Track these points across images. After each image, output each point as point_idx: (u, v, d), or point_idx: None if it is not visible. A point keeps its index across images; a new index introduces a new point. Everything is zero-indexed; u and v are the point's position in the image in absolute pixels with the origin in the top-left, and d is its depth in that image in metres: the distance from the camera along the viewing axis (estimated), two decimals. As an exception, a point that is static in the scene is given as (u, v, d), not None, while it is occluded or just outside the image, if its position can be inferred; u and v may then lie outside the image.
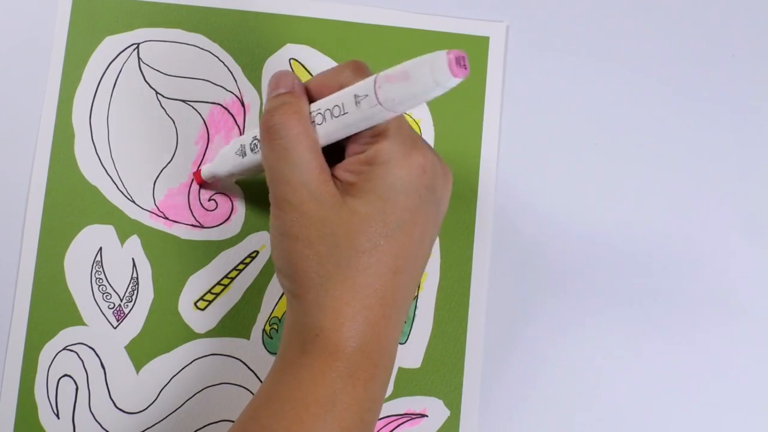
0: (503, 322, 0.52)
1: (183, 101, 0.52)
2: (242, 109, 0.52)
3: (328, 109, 0.41)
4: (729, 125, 0.54)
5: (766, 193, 0.54)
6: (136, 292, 0.51)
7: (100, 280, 0.51)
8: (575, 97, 0.54)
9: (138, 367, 0.50)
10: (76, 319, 0.51)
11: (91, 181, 0.51)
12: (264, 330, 0.51)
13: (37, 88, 0.51)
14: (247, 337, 0.51)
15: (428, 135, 0.53)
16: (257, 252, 0.52)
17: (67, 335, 0.51)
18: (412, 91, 0.38)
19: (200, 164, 0.51)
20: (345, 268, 0.41)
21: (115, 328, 0.51)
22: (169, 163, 0.52)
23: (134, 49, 0.52)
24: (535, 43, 0.54)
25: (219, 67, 0.52)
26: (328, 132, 0.42)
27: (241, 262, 0.52)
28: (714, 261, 0.53)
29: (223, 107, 0.52)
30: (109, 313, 0.51)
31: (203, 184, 0.51)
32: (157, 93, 0.52)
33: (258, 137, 0.45)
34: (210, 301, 0.51)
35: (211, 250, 0.52)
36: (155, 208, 0.52)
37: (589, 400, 0.52)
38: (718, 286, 0.53)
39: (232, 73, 0.52)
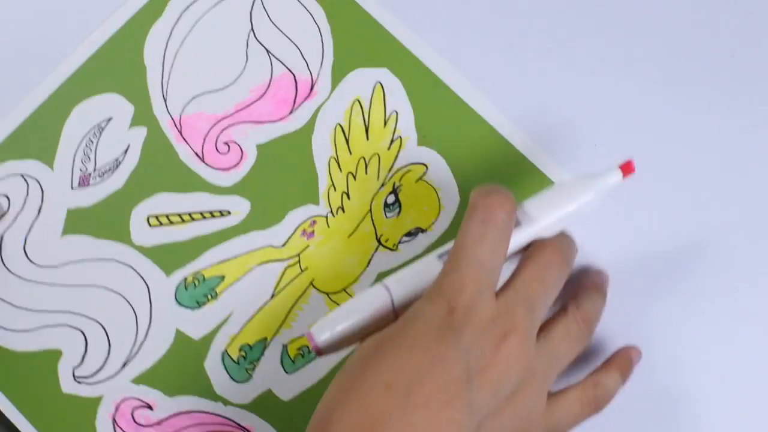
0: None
1: (267, 50, 0.52)
2: (308, 92, 0.52)
3: None
4: (729, 125, 0.52)
5: (767, 193, 0.52)
6: (109, 174, 0.51)
7: (90, 143, 0.51)
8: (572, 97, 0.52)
9: (64, 232, 0.51)
10: (48, 160, 0.51)
11: (146, 58, 0.52)
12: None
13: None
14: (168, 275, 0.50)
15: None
16: (230, 213, 0.51)
17: (30, 166, 0.51)
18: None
19: None
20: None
21: (72, 189, 0.51)
22: (217, 90, 0.52)
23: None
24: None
25: (316, 46, 0.52)
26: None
27: (212, 212, 0.51)
28: (714, 261, 0.51)
29: (294, 79, 0.52)
30: (76, 174, 0.51)
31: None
32: (252, 30, 0.53)
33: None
34: (160, 224, 0.51)
35: (195, 183, 0.51)
36: (177, 118, 0.52)
37: None
38: (718, 286, 0.51)
39: (323, 58, 0.52)
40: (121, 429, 0.50)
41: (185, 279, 0.50)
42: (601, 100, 0.53)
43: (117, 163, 0.51)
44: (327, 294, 0.50)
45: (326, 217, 0.51)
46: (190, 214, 0.51)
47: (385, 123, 0.51)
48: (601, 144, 0.52)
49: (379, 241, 0.51)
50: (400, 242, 0.51)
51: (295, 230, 0.51)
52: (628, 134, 0.52)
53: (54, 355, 0.50)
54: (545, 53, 0.53)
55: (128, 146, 0.51)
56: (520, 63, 0.53)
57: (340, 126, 0.51)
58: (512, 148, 0.51)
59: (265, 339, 0.50)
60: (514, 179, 0.51)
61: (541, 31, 0.53)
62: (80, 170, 0.51)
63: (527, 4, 0.53)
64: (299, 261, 0.51)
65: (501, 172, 0.51)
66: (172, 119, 0.52)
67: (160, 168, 0.51)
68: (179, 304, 0.50)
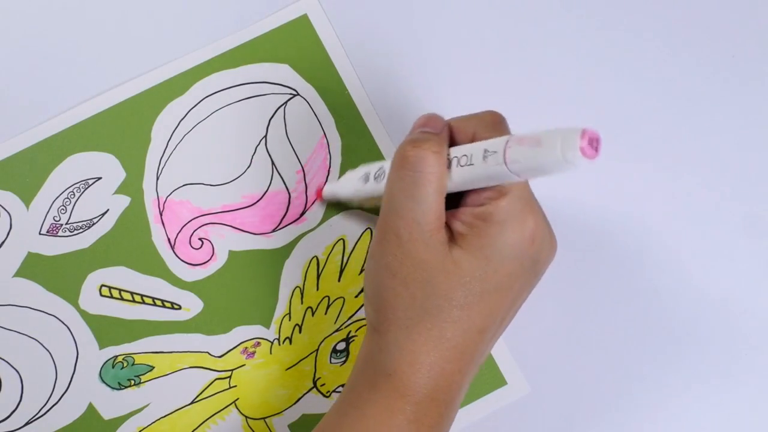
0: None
1: (273, 162, 0.52)
2: (298, 215, 0.51)
3: (456, 157, 0.40)
4: (729, 125, 0.53)
5: (767, 193, 0.53)
6: (80, 231, 0.51)
7: (72, 195, 0.51)
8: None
9: (17, 274, 0.50)
10: (26, 198, 0.51)
11: (153, 131, 0.52)
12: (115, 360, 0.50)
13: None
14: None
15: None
16: (180, 307, 0.50)
17: (6, 197, 0.51)
18: (539, 160, 0.37)
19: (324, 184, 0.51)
20: (434, 317, 0.40)
21: (39, 233, 0.51)
22: (211, 186, 0.51)
23: (292, 97, 0.53)
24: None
25: (321, 174, 0.52)
26: (454, 179, 0.41)
27: (165, 301, 0.50)
28: (714, 261, 0.52)
29: (288, 199, 0.52)
30: (48, 220, 0.51)
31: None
32: (266, 137, 0.52)
33: (385, 167, 0.44)
34: (110, 296, 0.50)
35: (158, 267, 0.50)
36: (163, 199, 0.51)
37: (589, 397, 0.51)
38: (719, 286, 0.52)
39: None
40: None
41: (115, 357, 0.50)
42: (601, 100, 0.53)
43: (91, 224, 0.51)
44: (246, 417, 0.50)
45: (272, 343, 0.50)
46: (142, 296, 0.50)
47: (361, 271, 0.51)
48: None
49: (315, 384, 0.50)
50: (335, 391, 0.50)
51: (237, 346, 0.50)
52: (628, 134, 0.53)
53: (-35, 387, 0.50)
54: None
55: (107, 210, 0.51)
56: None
57: (317, 259, 0.51)
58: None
59: (171, 443, 0.50)
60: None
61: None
62: (54, 218, 0.51)
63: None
64: (230, 377, 0.50)
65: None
66: (158, 198, 0.51)
67: (129, 242, 0.51)
68: (101, 379, 0.50)
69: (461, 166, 0.40)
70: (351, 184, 0.48)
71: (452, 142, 0.42)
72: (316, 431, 0.43)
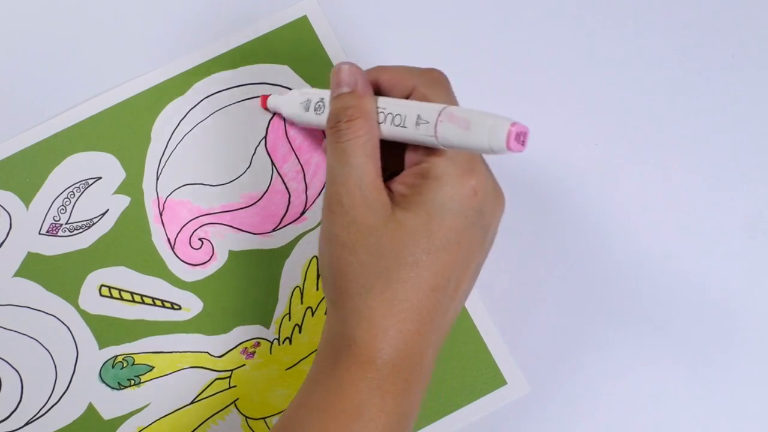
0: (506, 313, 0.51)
1: (273, 163, 0.52)
2: (298, 215, 0.51)
3: (390, 114, 0.41)
4: (729, 125, 0.53)
5: (767, 193, 0.53)
6: (79, 231, 0.51)
7: (72, 196, 0.51)
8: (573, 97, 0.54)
9: (17, 273, 0.50)
10: (26, 198, 0.51)
11: (153, 131, 0.52)
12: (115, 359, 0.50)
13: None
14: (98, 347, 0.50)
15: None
16: (180, 307, 0.50)
17: (6, 197, 0.51)
18: (466, 141, 0.38)
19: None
20: (384, 280, 0.40)
21: (39, 233, 0.51)
22: (211, 185, 0.51)
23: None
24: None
25: (320, 175, 0.52)
26: (386, 134, 0.42)
27: (165, 301, 0.50)
28: (714, 261, 0.52)
29: (288, 199, 0.52)
30: (48, 220, 0.51)
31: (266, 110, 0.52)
32: (265, 138, 0.52)
33: (326, 100, 0.45)
34: (110, 296, 0.50)
35: (158, 267, 0.51)
36: (163, 199, 0.51)
37: (589, 397, 0.51)
38: (719, 286, 0.52)
39: (324, 188, 0.52)
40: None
41: (115, 357, 0.50)
42: (600, 100, 0.53)
43: (90, 223, 0.51)
44: (246, 417, 0.50)
45: (272, 343, 0.50)
46: (142, 296, 0.50)
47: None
48: (601, 144, 0.53)
49: (314, 383, 0.50)
50: (334, 390, 0.50)
51: (237, 346, 0.50)
52: (628, 134, 0.53)
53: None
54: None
55: (107, 210, 0.51)
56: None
57: (317, 259, 0.51)
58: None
59: (171, 443, 0.50)
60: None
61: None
62: (53, 218, 0.51)
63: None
64: (230, 377, 0.50)
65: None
66: (158, 198, 0.51)
67: (129, 242, 0.51)
68: (101, 379, 0.50)
69: (394, 125, 0.41)
70: (293, 107, 0.49)
71: (386, 92, 0.43)
72: (284, 415, 0.42)
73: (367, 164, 0.41)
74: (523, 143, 0.36)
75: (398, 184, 0.42)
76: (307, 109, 0.47)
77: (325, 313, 0.47)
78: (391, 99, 0.42)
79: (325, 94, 0.46)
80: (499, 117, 0.37)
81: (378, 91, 0.44)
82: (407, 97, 0.42)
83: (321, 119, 0.46)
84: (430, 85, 0.42)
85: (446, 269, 0.41)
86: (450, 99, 0.42)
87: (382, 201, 0.41)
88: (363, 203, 0.41)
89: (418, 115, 0.40)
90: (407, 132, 0.40)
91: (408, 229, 0.40)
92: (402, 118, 0.41)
